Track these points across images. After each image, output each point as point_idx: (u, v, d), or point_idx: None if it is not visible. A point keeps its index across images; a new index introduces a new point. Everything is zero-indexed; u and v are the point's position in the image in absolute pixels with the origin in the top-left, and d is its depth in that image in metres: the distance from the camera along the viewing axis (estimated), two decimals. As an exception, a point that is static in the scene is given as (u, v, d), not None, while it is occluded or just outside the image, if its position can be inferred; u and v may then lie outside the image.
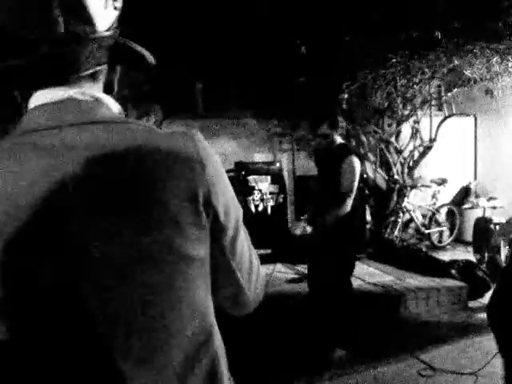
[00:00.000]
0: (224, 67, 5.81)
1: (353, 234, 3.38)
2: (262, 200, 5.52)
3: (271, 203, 5.64)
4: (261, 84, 6.01)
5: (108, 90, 0.82)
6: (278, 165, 6.08)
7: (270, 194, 5.75)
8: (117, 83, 0.85)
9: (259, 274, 0.90)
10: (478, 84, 5.91)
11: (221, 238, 0.78)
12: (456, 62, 5.38)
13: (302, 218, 3.05)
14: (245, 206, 5.47)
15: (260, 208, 5.58)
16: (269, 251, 5.82)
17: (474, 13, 4.41)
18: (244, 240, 0.85)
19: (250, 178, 5.69)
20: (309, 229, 3.07)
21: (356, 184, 3.23)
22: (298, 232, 3.08)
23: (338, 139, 3.39)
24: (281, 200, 5.81)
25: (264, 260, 5.69)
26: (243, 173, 5.46)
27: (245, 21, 5.33)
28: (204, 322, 0.78)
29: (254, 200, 5.49)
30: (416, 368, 3.21)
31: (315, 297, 3.54)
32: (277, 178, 5.95)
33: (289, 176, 6.65)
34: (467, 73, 5.64)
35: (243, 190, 5.44)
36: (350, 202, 3.20)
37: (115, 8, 0.76)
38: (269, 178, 5.86)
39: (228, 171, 5.73)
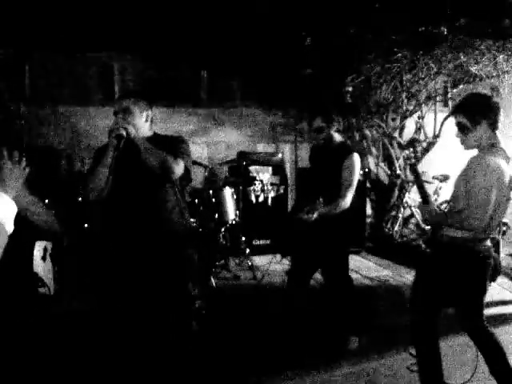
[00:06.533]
0: (229, 56, 5.80)
1: (346, 229, 3.38)
2: (262, 191, 5.53)
3: (272, 194, 5.65)
4: (266, 75, 5.99)
5: None
6: (280, 156, 6.09)
7: (271, 184, 5.76)
8: None
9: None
10: (484, 81, 5.88)
11: None
12: (462, 58, 5.36)
13: (319, 200, 2.90)
14: (245, 196, 5.49)
15: (260, 199, 5.60)
16: (268, 242, 5.86)
17: (480, 10, 4.37)
18: None
19: (252, 168, 5.69)
20: (316, 216, 2.96)
21: (356, 182, 3.25)
22: (315, 215, 2.94)
23: (337, 136, 3.35)
24: (281, 191, 5.82)
25: (263, 250, 5.73)
26: (244, 163, 5.46)
27: (251, 11, 5.31)
28: None
29: (254, 190, 5.50)
30: (407, 363, 3.22)
31: (295, 289, 3.55)
32: (278, 169, 5.96)
33: (290, 167, 6.66)
34: (473, 70, 5.60)
35: (244, 180, 5.45)
36: (349, 200, 3.21)
37: None
38: (270, 168, 5.86)
39: (231, 161, 5.75)
